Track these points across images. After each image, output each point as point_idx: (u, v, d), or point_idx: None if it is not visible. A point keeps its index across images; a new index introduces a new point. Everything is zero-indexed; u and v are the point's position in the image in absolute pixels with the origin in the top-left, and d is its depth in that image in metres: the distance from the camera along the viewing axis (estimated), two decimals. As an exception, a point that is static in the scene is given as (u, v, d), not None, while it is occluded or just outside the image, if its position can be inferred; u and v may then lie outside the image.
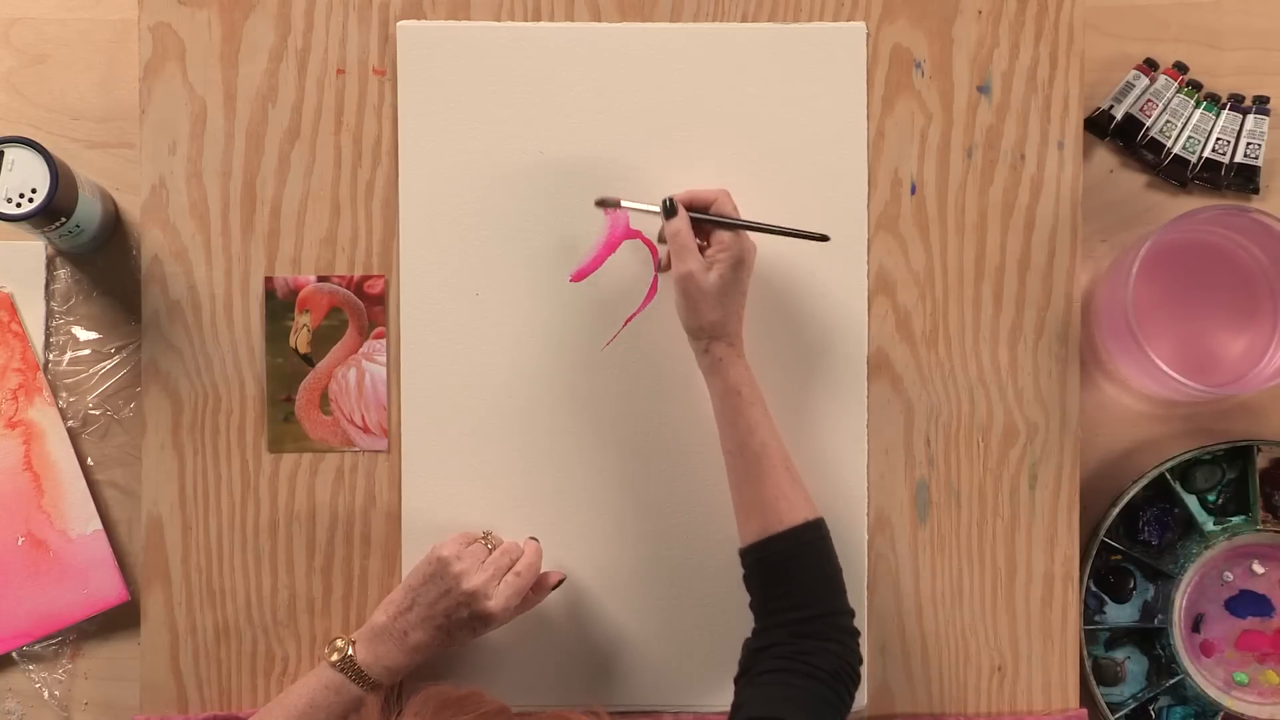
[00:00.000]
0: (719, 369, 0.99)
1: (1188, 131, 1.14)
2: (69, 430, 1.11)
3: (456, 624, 0.98)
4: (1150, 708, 1.12)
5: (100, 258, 1.13)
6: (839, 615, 0.95)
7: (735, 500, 0.98)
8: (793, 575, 0.95)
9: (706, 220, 1.00)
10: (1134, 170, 1.15)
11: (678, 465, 1.08)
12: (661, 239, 1.03)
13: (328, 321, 1.08)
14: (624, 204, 1.03)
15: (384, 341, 1.08)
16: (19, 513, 1.10)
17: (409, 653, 0.98)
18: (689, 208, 1.00)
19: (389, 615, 0.99)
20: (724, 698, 1.07)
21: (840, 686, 0.92)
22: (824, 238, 1.01)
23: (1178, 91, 1.14)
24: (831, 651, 0.92)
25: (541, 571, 1.03)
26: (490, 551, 1.01)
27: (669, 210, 1.00)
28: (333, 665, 0.98)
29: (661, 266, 1.06)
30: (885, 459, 1.09)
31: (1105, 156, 1.15)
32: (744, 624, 1.06)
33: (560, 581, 1.05)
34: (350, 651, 0.99)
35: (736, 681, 0.94)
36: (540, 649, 1.07)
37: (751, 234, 1.01)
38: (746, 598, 1.05)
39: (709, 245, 1.00)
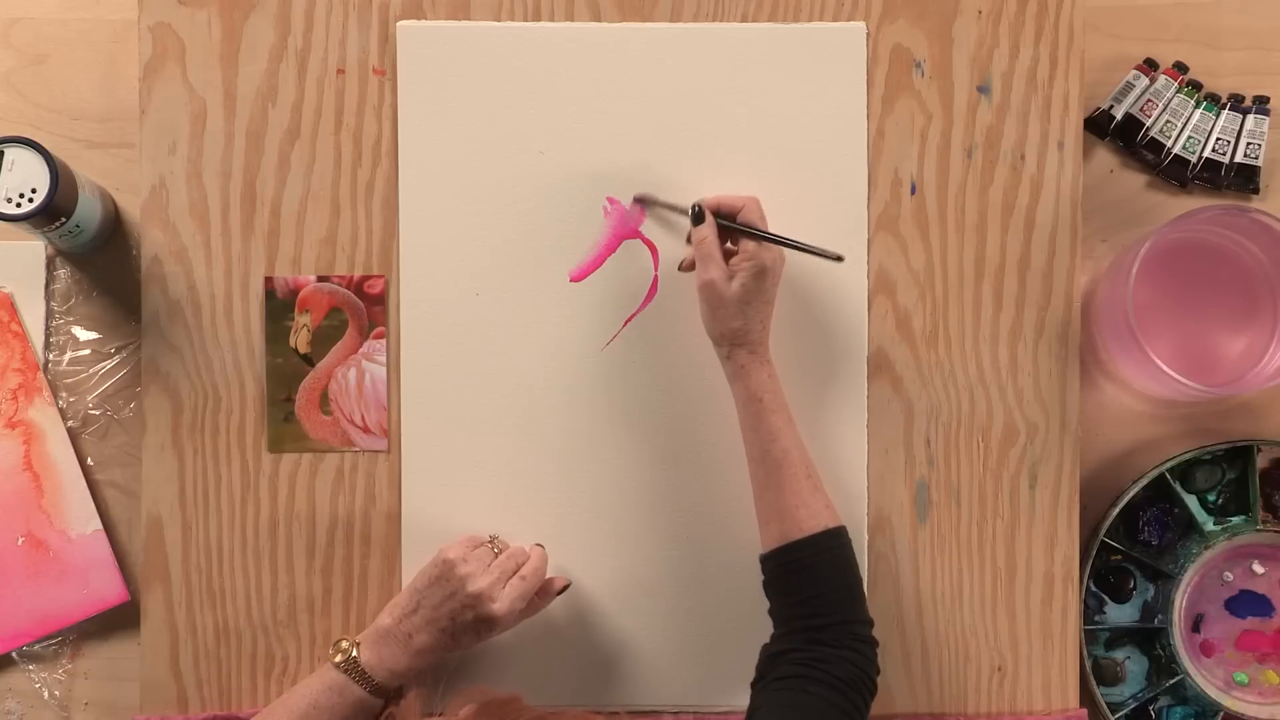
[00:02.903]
0: (741, 376, 0.99)
1: (1188, 131, 1.14)
2: (69, 430, 1.11)
3: (461, 627, 0.98)
4: (1150, 708, 1.12)
5: (100, 258, 1.12)
6: (857, 624, 0.95)
7: (757, 506, 0.99)
8: (811, 583, 0.95)
9: (731, 228, 1.00)
10: (1134, 170, 1.15)
11: (678, 464, 1.08)
12: (689, 241, 1.03)
13: (328, 321, 1.08)
14: (658, 200, 1.06)
15: (384, 341, 1.08)
16: (19, 513, 1.09)
17: (413, 655, 0.98)
18: (716, 214, 1.00)
19: (394, 618, 0.99)
20: (723, 698, 1.07)
21: (855, 695, 0.92)
22: (839, 258, 1.01)
23: (1178, 91, 1.14)
24: (848, 660, 0.92)
25: (547, 577, 1.03)
26: (497, 555, 1.01)
27: (696, 216, 1.00)
28: (336, 666, 0.98)
29: (682, 267, 1.06)
30: (885, 459, 1.09)
31: (1105, 156, 1.15)
32: (744, 622, 1.06)
33: (565, 587, 1.05)
34: (355, 653, 0.99)
35: (753, 685, 0.94)
36: (539, 648, 1.07)
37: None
38: (747, 597, 1.05)
39: (737, 251, 1.00)
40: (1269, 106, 1.14)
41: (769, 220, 1.01)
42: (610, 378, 1.08)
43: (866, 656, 0.94)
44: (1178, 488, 1.11)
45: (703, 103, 1.09)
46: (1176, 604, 1.10)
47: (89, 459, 1.11)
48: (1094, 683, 1.10)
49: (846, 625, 0.94)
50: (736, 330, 0.98)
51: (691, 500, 1.08)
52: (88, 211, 1.05)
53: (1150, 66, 1.14)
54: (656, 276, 1.08)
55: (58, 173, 1.00)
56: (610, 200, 1.08)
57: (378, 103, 1.09)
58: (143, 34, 1.08)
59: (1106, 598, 1.13)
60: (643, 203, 1.07)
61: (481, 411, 1.08)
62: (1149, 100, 1.14)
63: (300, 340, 1.08)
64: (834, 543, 0.96)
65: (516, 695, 0.86)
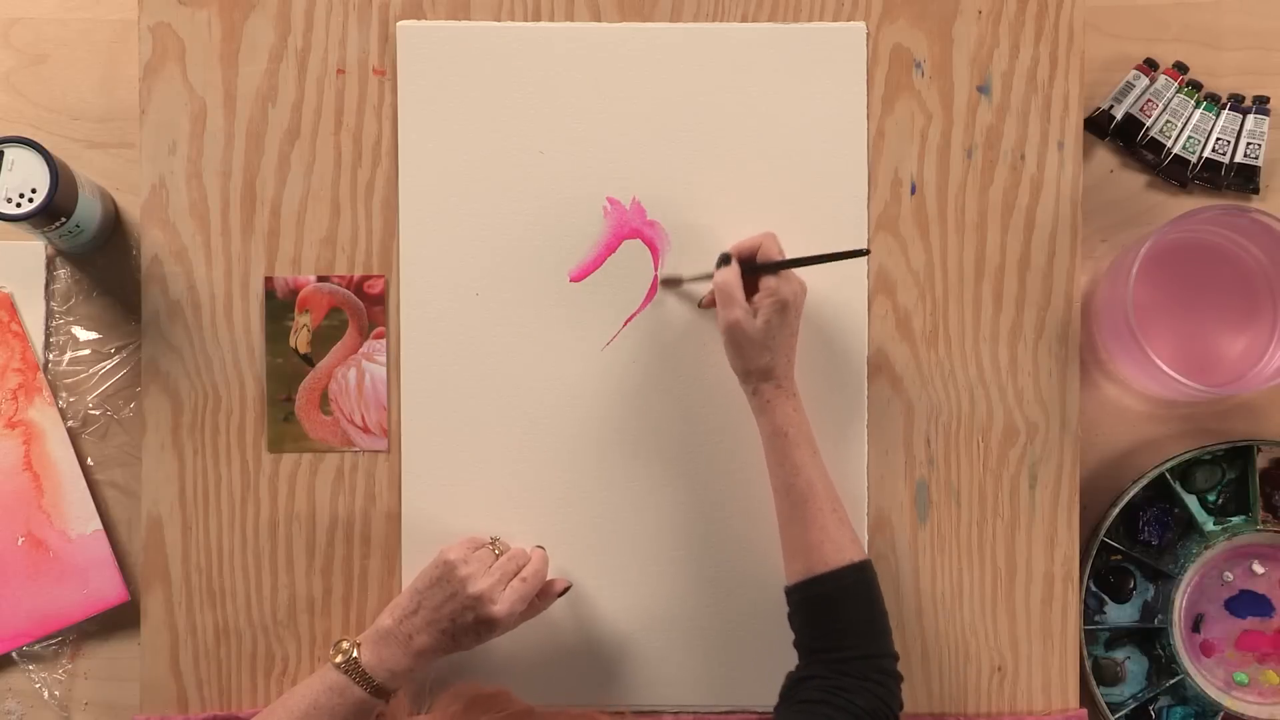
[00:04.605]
0: (766, 410, 0.99)
1: (1188, 131, 1.14)
2: (69, 430, 1.11)
3: (461, 628, 0.98)
4: (1150, 708, 1.12)
5: (100, 258, 1.12)
6: (882, 658, 0.95)
7: (782, 539, 0.99)
8: (836, 616, 0.95)
9: (756, 270, 1.01)
10: (1134, 170, 1.15)
11: (679, 464, 1.08)
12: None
13: (328, 321, 1.08)
14: (682, 276, 1.07)
15: (384, 341, 1.08)
16: (19, 513, 1.09)
17: (414, 656, 0.98)
18: (738, 256, 1.01)
19: (394, 619, 0.99)
20: (724, 698, 1.07)
21: None
22: (865, 251, 1.02)
23: (1178, 91, 1.14)
24: (871, 691, 0.93)
25: (547, 579, 1.03)
26: (498, 557, 1.01)
27: (723, 261, 1.01)
28: (337, 667, 0.98)
29: (702, 304, 1.07)
30: (885, 459, 1.09)
31: (1105, 156, 1.15)
32: (745, 622, 1.06)
33: (566, 589, 1.05)
34: (355, 654, 0.98)
35: (775, 710, 0.95)
36: (540, 649, 1.07)
37: (800, 270, 1.01)
38: (748, 597, 1.05)
39: (758, 289, 1.00)
40: (1269, 106, 1.14)
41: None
42: (610, 378, 1.08)
43: (890, 690, 0.94)
44: (1178, 488, 1.11)
45: (703, 103, 1.09)
46: (1176, 604, 1.11)
47: (89, 459, 1.11)
48: (1094, 683, 1.10)
49: (871, 659, 0.94)
50: (764, 367, 0.99)
51: (693, 500, 1.08)
52: (88, 211, 1.05)
53: (1150, 66, 1.14)
54: (656, 276, 1.08)
55: (58, 173, 1.00)
56: (610, 200, 1.08)
57: (378, 103, 1.09)
58: (143, 34, 1.08)
59: (1106, 598, 1.13)
60: (668, 284, 1.08)
61: (482, 412, 1.08)
62: (1149, 100, 1.14)
63: (300, 340, 1.08)
64: (859, 576, 0.96)
65: (504, 689, 0.86)
